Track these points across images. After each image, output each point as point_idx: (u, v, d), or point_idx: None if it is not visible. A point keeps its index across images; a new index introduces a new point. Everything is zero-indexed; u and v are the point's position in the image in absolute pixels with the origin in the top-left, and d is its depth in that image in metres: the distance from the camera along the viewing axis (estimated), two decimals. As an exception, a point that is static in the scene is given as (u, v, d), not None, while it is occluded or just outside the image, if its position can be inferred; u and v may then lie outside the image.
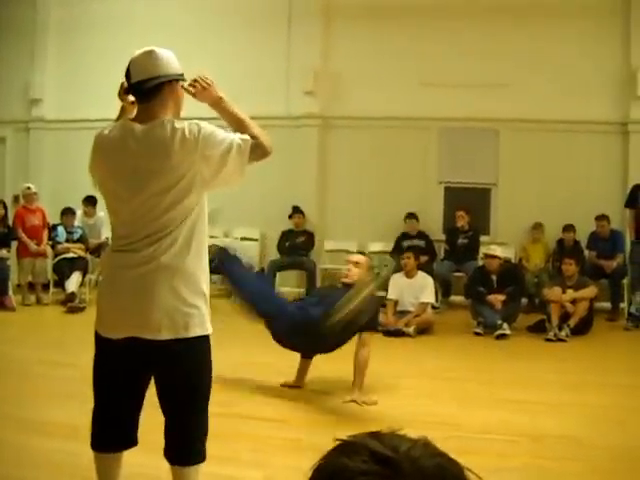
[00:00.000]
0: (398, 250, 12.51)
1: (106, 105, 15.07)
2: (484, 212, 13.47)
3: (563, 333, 9.78)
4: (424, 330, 10.18)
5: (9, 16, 15.15)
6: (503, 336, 9.86)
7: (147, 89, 3.40)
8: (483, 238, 12.89)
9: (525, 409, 6.31)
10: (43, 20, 15.13)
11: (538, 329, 10.24)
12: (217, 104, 3.65)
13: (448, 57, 13.10)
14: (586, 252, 12.18)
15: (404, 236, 12.92)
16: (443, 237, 13.21)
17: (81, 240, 12.77)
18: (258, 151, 3.49)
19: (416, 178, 13.40)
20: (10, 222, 12.58)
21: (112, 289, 3.47)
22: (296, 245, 13.04)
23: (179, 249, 3.35)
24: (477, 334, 10.14)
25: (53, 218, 12.94)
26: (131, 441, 3.63)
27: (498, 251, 10.68)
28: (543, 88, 12.73)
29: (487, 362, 8.51)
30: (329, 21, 13.76)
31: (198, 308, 3.41)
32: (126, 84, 3.53)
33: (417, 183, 13.40)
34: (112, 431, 3.59)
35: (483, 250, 11.51)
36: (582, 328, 10.10)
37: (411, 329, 9.97)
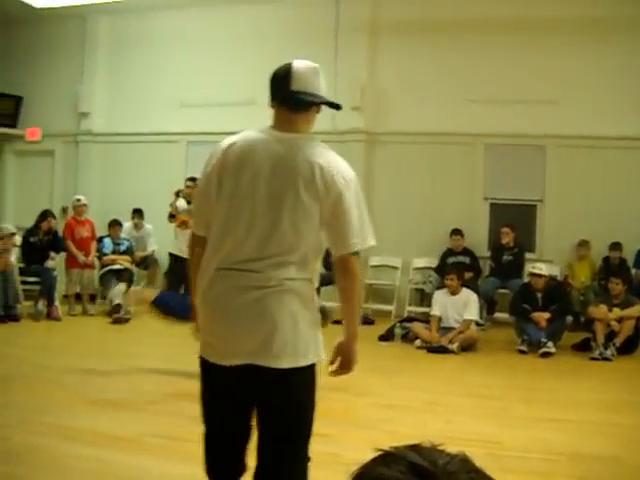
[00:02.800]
0: (443, 266, 12.48)
1: (153, 118, 15.28)
2: (530, 229, 13.38)
3: (609, 352, 9.69)
4: (468, 347, 10.14)
5: (59, 31, 15.42)
6: (548, 354, 9.78)
7: (307, 102, 3.33)
8: (528, 255, 12.81)
9: (566, 428, 6.26)
10: (92, 35, 15.38)
11: (583, 348, 10.15)
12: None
13: (494, 73, 13.07)
14: (633, 270, 12.06)
15: (449, 252, 12.89)
16: (488, 254, 13.13)
17: (127, 252, 12.90)
18: (350, 267, 3.34)
19: (462, 194, 13.36)
20: (59, 233, 12.76)
21: (223, 312, 3.25)
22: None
23: (300, 273, 3.22)
24: (521, 352, 10.08)
25: (100, 230, 13.10)
26: (243, 469, 3.48)
27: (544, 270, 10.59)
28: (590, 104, 12.63)
29: (531, 380, 8.45)
30: (376, 36, 13.79)
31: (315, 335, 3.30)
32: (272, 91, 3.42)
33: (463, 199, 13.36)
34: (225, 461, 3.47)
35: (528, 267, 11.42)
36: (628, 347, 9.98)
37: (455, 346, 9.93)
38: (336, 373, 3.46)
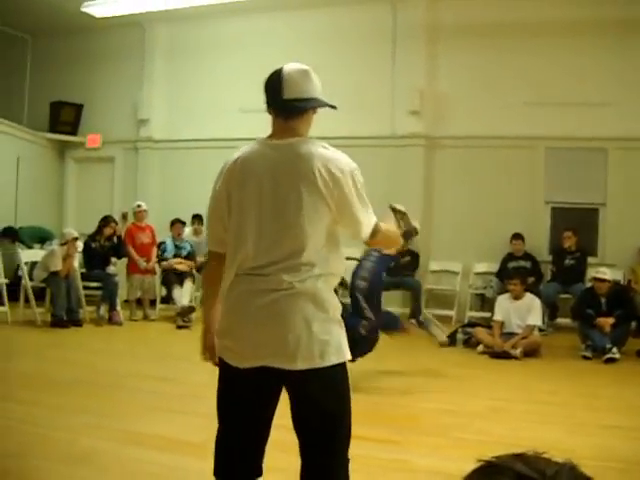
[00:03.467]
0: (504, 271, 12.39)
1: (211, 125, 15.38)
2: (592, 233, 13.22)
3: (674, 358, 9.54)
4: (531, 353, 10.02)
5: (119, 39, 15.62)
6: (612, 360, 9.63)
7: (300, 109, 3.34)
8: (590, 259, 12.66)
9: (634, 436, 6.15)
10: (151, 43, 15.55)
11: (648, 354, 10.01)
12: None
13: (554, 75, 12.96)
14: (697, 275, 11.88)
15: (510, 257, 12.78)
16: (549, 258, 13.00)
17: (189, 257, 12.98)
18: (379, 238, 3.53)
19: (522, 198, 13.25)
20: (120, 239, 12.89)
21: (240, 315, 3.31)
22: (401, 265, 12.98)
23: (313, 275, 3.22)
24: (585, 358, 9.94)
25: (160, 236, 13.19)
26: (256, 472, 3.48)
27: (607, 274, 10.44)
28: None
29: (595, 387, 8.32)
30: (434, 40, 13.74)
31: (333, 334, 3.26)
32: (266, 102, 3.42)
33: (523, 203, 13.25)
34: (237, 462, 3.46)
35: (591, 272, 11.28)
36: (694, 353, 9.81)
37: (518, 351, 9.83)
38: None
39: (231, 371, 3.35)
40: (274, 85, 3.34)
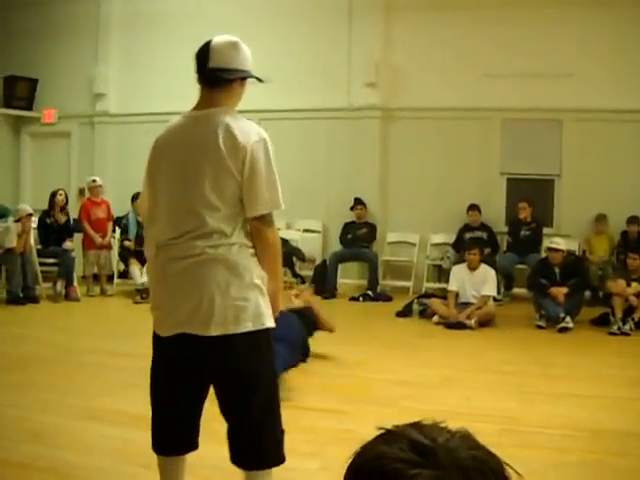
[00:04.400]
0: (460, 242, 12.48)
1: (169, 98, 15.29)
2: (547, 204, 13.33)
3: (627, 327, 9.66)
4: (486, 323, 10.13)
5: (73, 13, 15.42)
6: (566, 329, 9.76)
7: (223, 79, 3.33)
8: (546, 230, 12.77)
9: (585, 403, 6.25)
10: (106, 16, 15.35)
11: (602, 322, 10.12)
12: None
13: (509, 47, 12.97)
14: (652, 244, 12.01)
15: (466, 228, 12.86)
16: (506, 229, 13.12)
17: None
18: (263, 235, 3.35)
19: (478, 170, 13.31)
20: (75, 214, 12.80)
21: (160, 284, 3.35)
22: (358, 237, 13.04)
23: (227, 242, 3.23)
24: (539, 327, 10.06)
25: (117, 211, 13.12)
26: (190, 445, 3.51)
27: (562, 245, 10.54)
28: (606, 77, 12.54)
29: (549, 356, 8.42)
30: (390, 12, 13.70)
31: (250, 301, 3.24)
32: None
33: (479, 175, 13.31)
34: (170, 434, 3.49)
35: (546, 242, 11.39)
36: (647, 322, 9.95)
37: (472, 322, 9.92)
38: None
39: (159, 342, 3.38)
40: (202, 55, 3.36)
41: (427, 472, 1.07)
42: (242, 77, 3.41)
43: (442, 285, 12.16)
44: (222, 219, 3.23)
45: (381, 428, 1.18)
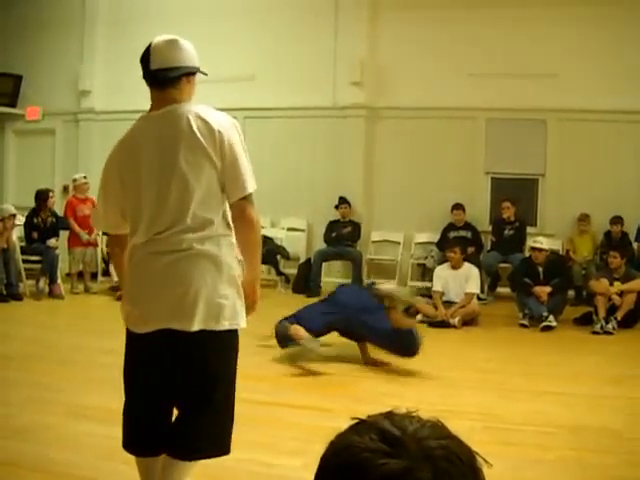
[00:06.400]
0: (444, 241, 12.50)
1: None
2: (531, 203, 13.37)
3: (610, 326, 9.70)
4: (469, 321, 10.17)
5: (58, 9, 15.37)
6: (549, 328, 9.80)
7: (168, 78, 3.36)
8: (530, 229, 12.82)
9: (566, 401, 6.29)
10: (91, 13, 15.29)
11: (585, 321, 10.16)
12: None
13: (495, 47, 13.00)
14: (635, 244, 12.07)
15: (450, 227, 12.88)
16: (489, 228, 13.15)
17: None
18: (247, 215, 3.36)
19: (463, 169, 13.33)
20: (59, 212, 12.76)
21: (140, 279, 3.33)
22: (342, 235, 13.05)
23: (213, 235, 3.25)
24: (523, 326, 10.10)
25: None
26: (163, 446, 3.43)
27: (545, 244, 10.58)
28: (590, 77, 12.58)
29: (532, 354, 8.47)
30: (376, 11, 13.72)
31: (229, 299, 3.27)
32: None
33: (464, 174, 13.33)
34: (144, 433, 3.45)
35: (530, 242, 11.42)
36: (629, 321, 9.99)
37: (456, 320, 9.96)
38: None
39: (134, 338, 3.36)
40: (144, 57, 3.43)
41: (395, 462, 1.08)
42: (186, 73, 3.42)
43: (426, 284, 12.19)
44: (206, 209, 3.25)
45: (354, 418, 1.19)
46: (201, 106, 3.35)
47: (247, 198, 3.33)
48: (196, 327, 3.20)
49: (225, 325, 3.27)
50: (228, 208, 3.35)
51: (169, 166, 3.25)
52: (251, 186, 3.32)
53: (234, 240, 3.37)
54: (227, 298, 3.27)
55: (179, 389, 3.37)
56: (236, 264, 3.36)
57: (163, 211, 3.25)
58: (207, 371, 3.31)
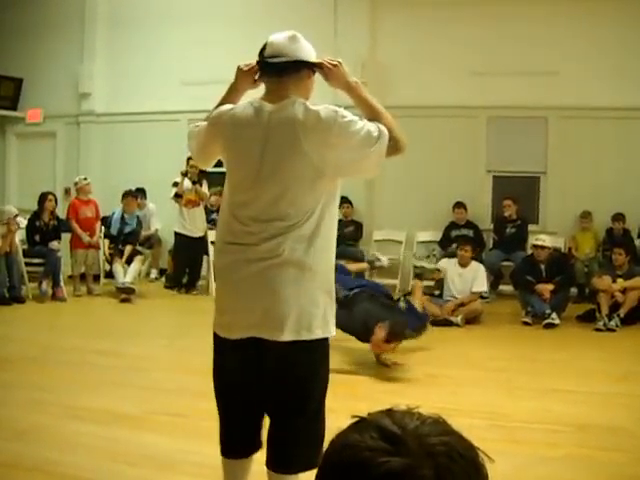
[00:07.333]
0: (446, 240, 12.50)
1: (155, 98, 15.20)
2: (533, 201, 13.37)
3: (613, 323, 9.70)
4: (472, 320, 10.17)
5: (58, 11, 15.34)
6: (552, 325, 9.80)
7: (285, 67, 3.23)
8: (532, 227, 12.81)
9: (572, 399, 6.28)
10: (92, 15, 15.27)
11: (588, 319, 10.16)
12: (351, 89, 3.48)
13: (496, 45, 12.99)
14: (637, 241, 12.06)
15: (452, 225, 12.89)
16: (491, 226, 13.15)
17: (132, 234, 12.67)
18: (392, 144, 3.32)
19: (464, 167, 13.32)
20: (61, 214, 12.75)
21: (230, 286, 3.26)
22: (344, 235, 13.00)
23: (304, 243, 3.13)
24: (526, 324, 10.11)
25: (103, 211, 13.08)
26: (257, 445, 3.42)
27: (547, 242, 10.58)
28: (591, 75, 12.56)
29: (535, 352, 8.47)
30: (376, 10, 13.70)
31: (320, 307, 3.19)
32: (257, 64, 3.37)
33: (465, 172, 13.32)
34: (240, 438, 3.42)
35: (532, 239, 11.41)
36: (632, 318, 9.98)
37: (459, 319, 9.95)
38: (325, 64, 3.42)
39: (223, 343, 3.31)
40: (261, 49, 3.33)
41: (396, 460, 1.08)
42: (302, 65, 3.31)
43: (428, 283, 12.17)
44: (302, 212, 3.15)
45: (355, 416, 1.19)
46: (305, 104, 3.21)
47: (383, 148, 3.28)
48: (287, 337, 3.13)
49: (318, 334, 3.20)
50: (327, 212, 3.25)
51: (271, 165, 3.15)
52: (383, 148, 3.28)
53: (332, 245, 3.30)
54: (318, 306, 3.20)
55: (271, 399, 3.32)
56: (329, 272, 3.28)
57: (256, 213, 3.17)
58: (302, 381, 3.24)
